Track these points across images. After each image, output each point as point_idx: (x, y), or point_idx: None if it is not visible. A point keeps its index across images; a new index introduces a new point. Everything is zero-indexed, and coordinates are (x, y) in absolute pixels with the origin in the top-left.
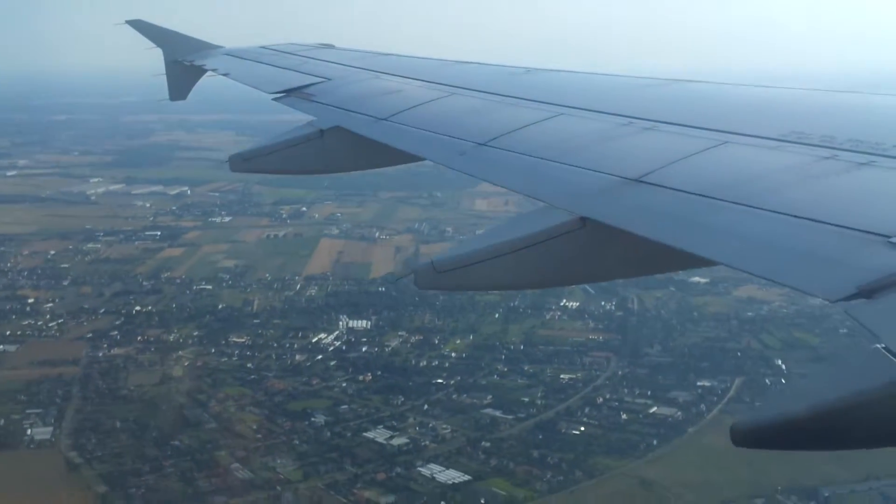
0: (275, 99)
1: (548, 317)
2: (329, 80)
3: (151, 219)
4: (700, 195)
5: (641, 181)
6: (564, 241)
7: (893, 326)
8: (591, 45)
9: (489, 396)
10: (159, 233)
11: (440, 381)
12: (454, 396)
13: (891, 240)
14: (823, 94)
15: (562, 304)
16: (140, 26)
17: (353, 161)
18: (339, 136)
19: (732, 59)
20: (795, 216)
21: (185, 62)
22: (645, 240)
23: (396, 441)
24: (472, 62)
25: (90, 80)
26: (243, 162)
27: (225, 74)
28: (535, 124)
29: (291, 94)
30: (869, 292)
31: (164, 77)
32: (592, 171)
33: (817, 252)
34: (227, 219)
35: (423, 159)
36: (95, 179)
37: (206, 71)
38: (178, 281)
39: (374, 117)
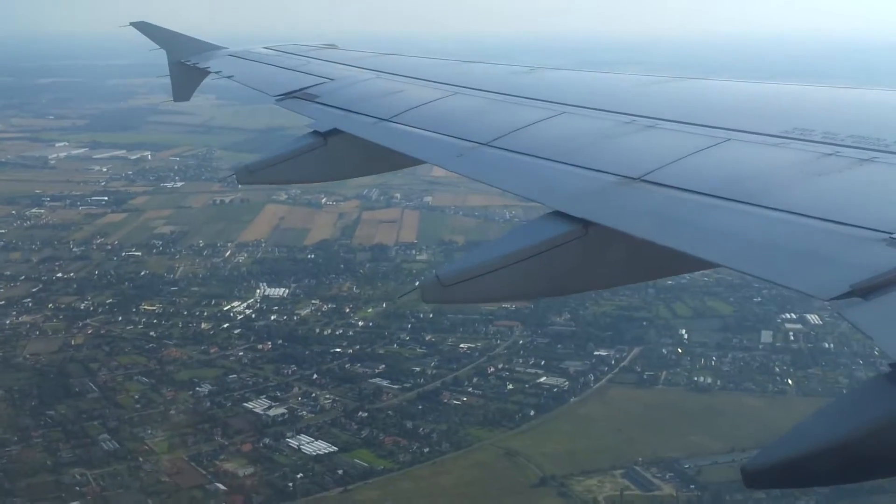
0: (277, 102)
1: None
2: (332, 80)
3: (103, 184)
4: (702, 193)
5: (643, 180)
6: (569, 248)
7: (886, 327)
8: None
9: (382, 366)
10: (106, 198)
11: (338, 350)
12: (347, 366)
13: (893, 235)
14: (825, 90)
15: None
16: (144, 28)
17: (356, 167)
18: (343, 143)
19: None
20: (796, 214)
21: (188, 63)
22: (645, 243)
23: (274, 411)
24: (475, 62)
25: (85, 42)
26: (249, 174)
27: (229, 77)
28: (535, 124)
29: (294, 96)
30: (864, 291)
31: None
32: (593, 172)
33: (816, 250)
34: (179, 184)
35: (424, 162)
36: (61, 144)
37: (209, 72)
38: (109, 247)
39: (374, 118)
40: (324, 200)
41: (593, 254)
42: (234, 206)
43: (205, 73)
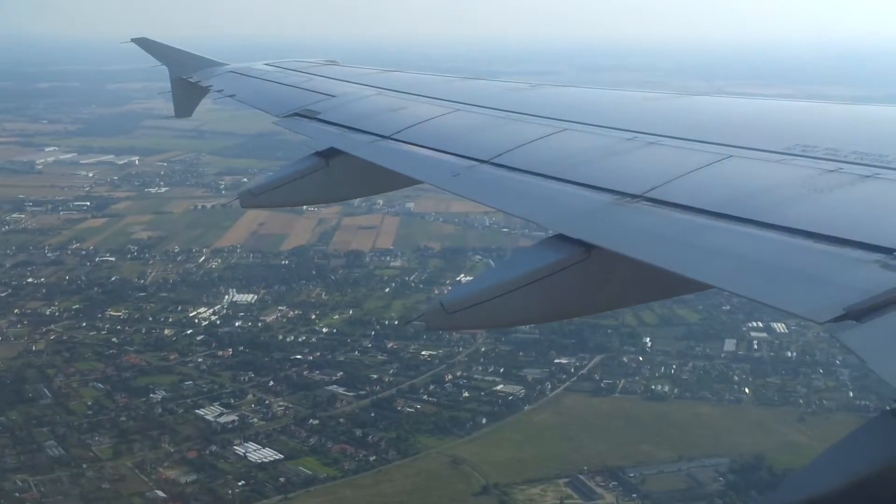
0: (275, 122)
1: (436, 292)
2: (333, 97)
3: (87, 189)
4: (703, 211)
5: (645, 198)
6: (572, 272)
7: (880, 351)
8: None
9: (340, 373)
10: (88, 203)
11: (299, 357)
12: (305, 373)
13: (888, 256)
14: (827, 106)
15: (458, 278)
16: (145, 44)
17: (359, 188)
18: (344, 164)
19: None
20: (793, 231)
21: (189, 80)
22: (644, 264)
23: (225, 419)
24: (477, 78)
25: (90, 47)
26: (253, 198)
27: (231, 96)
28: (536, 140)
29: (296, 115)
30: (858, 314)
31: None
32: (593, 190)
33: (811, 271)
34: (163, 189)
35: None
36: (50, 148)
37: (210, 90)
38: (84, 252)
39: (374, 135)
40: (305, 206)
41: (597, 277)
42: (214, 211)
43: (206, 89)
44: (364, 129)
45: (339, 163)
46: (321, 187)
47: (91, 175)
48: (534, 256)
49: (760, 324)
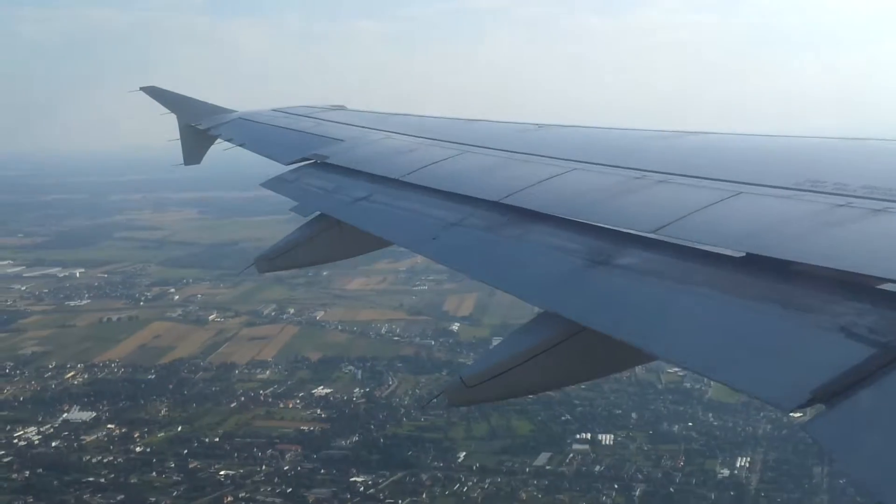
0: (262, 184)
1: (282, 406)
2: (342, 141)
3: (10, 303)
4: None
5: (655, 234)
6: (574, 342)
7: (849, 443)
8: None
9: (121, 496)
10: None
11: (90, 479)
12: (85, 497)
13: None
14: (836, 141)
15: (313, 391)
16: (154, 93)
17: (370, 242)
18: None
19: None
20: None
21: (198, 127)
22: None
23: None
24: (482, 119)
25: (110, 159)
26: (269, 262)
27: (241, 145)
28: (543, 182)
29: (305, 160)
30: (826, 396)
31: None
32: (563, 255)
33: (785, 341)
34: (84, 302)
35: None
36: (4, 262)
37: (219, 139)
38: None
39: (352, 198)
40: (212, 317)
41: (595, 345)
42: (119, 324)
43: (215, 136)
44: (371, 171)
45: None
46: (334, 245)
47: (24, 288)
48: (547, 323)
49: (588, 435)
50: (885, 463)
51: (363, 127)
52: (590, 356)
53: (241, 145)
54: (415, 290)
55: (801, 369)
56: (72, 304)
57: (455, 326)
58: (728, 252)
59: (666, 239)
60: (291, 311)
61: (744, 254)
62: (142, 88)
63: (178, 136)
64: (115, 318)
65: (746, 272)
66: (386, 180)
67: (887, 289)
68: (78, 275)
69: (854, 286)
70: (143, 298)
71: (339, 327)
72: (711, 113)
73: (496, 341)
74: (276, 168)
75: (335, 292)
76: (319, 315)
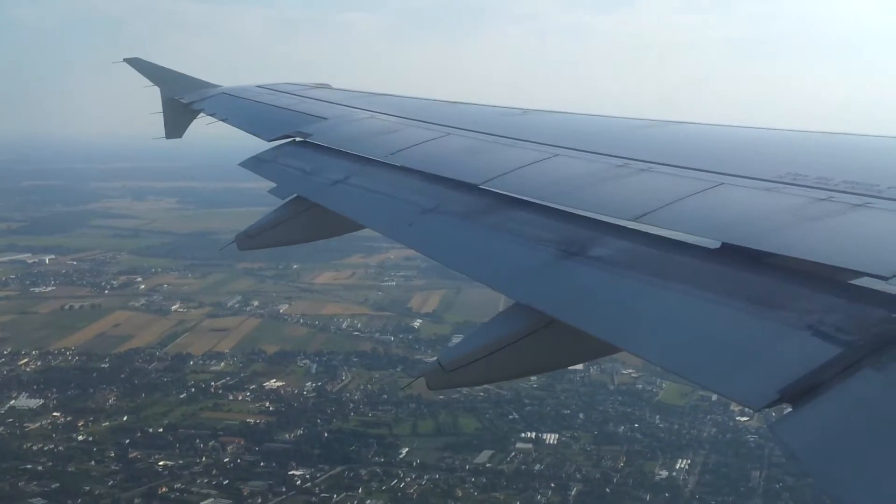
0: (241, 164)
1: (231, 398)
2: (326, 119)
3: None
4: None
5: (636, 222)
6: (552, 329)
7: (815, 446)
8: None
9: (55, 484)
10: None
11: (28, 466)
12: (20, 484)
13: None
14: (819, 135)
15: (264, 384)
16: (138, 64)
17: (350, 222)
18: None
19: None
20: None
21: (181, 101)
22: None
23: None
24: (467, 102)
25: (97, 144)
26: (249, 239)
27: (224, 120)
28: (526, 166)
29: (287, 137)
30: (793, 396)
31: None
32: (528, 248)
33: (754, 339)
34: (50, 288)
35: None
36: None
37: (202, 113)
38: None
39: (331, 180)
40: (175, 307)
41: (573, 332)
42: (82, 311)
43: (198, 111)
44: (354, 151)
45: None
46: (314, 225)
47: None
48: (528, 309)
49: (532, 434)
50: (847, 466)
51: (348, 106)
52: (568, 343)
53: (223, 120)
54: (383, 285)
55: (769, 367)
56: (37, 290)
57: (417, 323)
58: (706, 243)
59: (646, 228)
60: (255, 303)
61: (720, 245)
62: (125, 60)
63: (160, 108)
64: (77, 305)
65: (722, 265)
66: (367, 161)
67: (860, 284)
68: (47, 261)
69: (827, 281)
70: (108, 287)
71: (301, 321)
72: (708, 114)
73: (456, 339)
74: (260, 146)
75: (302, 286)
76: (283, 308)
